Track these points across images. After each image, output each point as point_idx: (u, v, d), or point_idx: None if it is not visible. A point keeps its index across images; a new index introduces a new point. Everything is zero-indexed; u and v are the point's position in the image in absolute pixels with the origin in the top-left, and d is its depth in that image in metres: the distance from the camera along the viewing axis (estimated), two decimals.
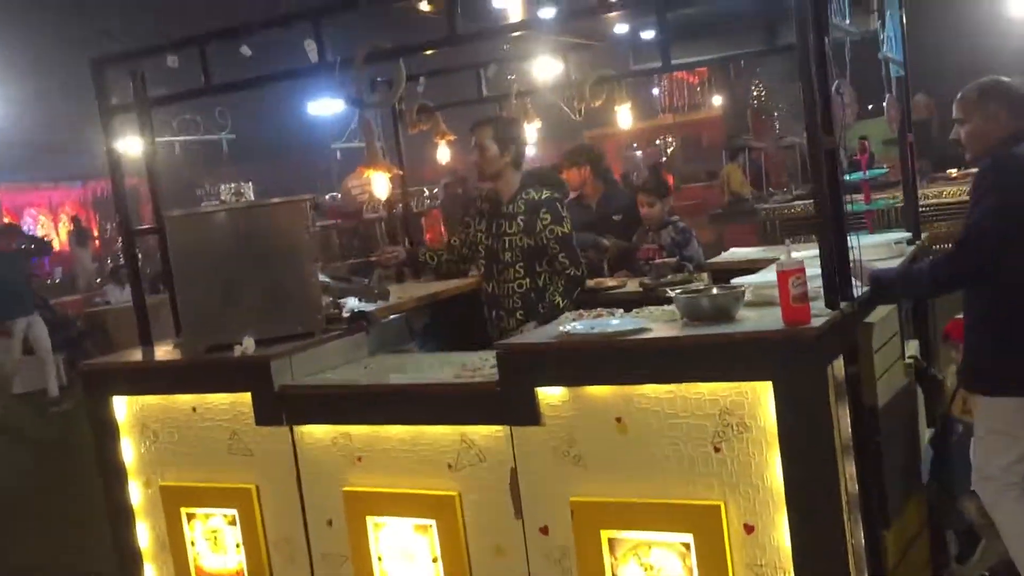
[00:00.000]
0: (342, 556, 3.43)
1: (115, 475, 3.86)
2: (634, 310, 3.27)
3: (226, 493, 3.63)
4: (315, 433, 3.42)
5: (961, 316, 3.59)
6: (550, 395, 2.96)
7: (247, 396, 3.52)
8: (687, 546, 2.80)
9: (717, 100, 21.13)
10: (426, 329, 4.68)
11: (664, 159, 20.36)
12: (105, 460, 3.87)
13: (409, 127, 5.60)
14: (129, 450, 3.86)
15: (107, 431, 3.84)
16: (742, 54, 5.31)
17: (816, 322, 2.63)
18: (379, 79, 4.87)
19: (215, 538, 3.70)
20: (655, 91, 21.89)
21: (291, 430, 3.46)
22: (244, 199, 3.58)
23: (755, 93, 21.42)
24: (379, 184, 4.36)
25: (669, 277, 5.17)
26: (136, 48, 4.08)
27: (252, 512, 3.57)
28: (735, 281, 3.22)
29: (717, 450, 2.74)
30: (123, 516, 3.88)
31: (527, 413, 2.97)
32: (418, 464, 3.23)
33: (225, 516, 3.66)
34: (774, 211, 12.85)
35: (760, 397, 2.66)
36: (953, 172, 12.19)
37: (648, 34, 4.84)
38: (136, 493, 3.88)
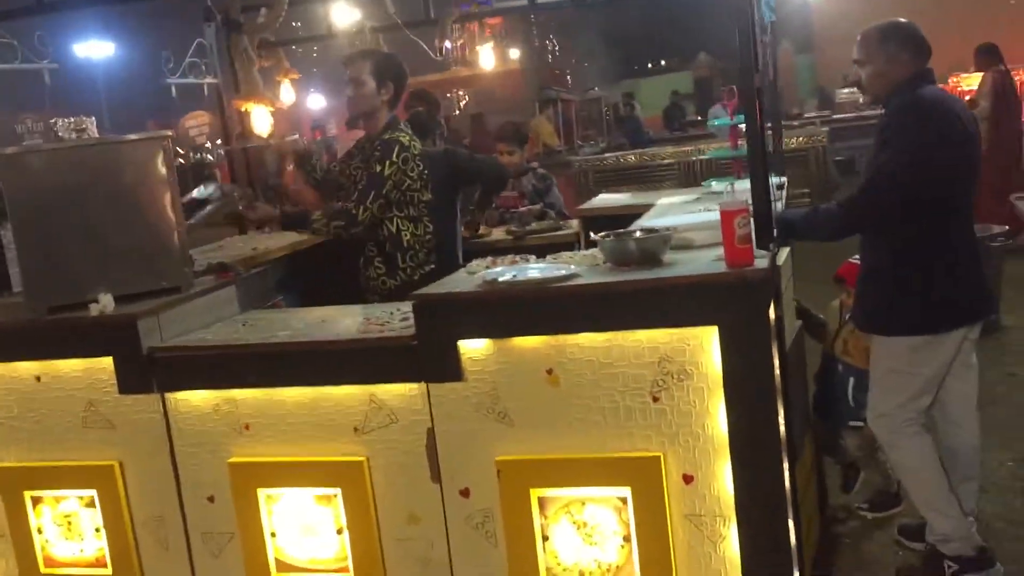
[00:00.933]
0: (226, 534, 3.10)
1: None
2: (548, 256, 3.09)
3: (82, 472, 3.19)
4: (192, 400, 3.05)
5: (853, 259, 3.67)
6: (472, 348, 2.75)
7: (107, 361, 3.09)
8: (624, 500, 2.68)
9: (514, 54, 21.16)
10: (282, 284, 4.32)
11: (456, 112, 20.16)
12: None
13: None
14: None
15: None
16: None
17: (759, 264, 2.55)
18: None
19: (68, 523, 3.25)
20: (447, 44, 21.67)
21: (162, 398, 3.07)
22: (87, 136, 3.08)
23: (550, 47, 21.64)
24: (260, 119, 3.92)
25: (534, 224, 5.05)
26: None
27: (115, 492, 3.15)
28: (649, 224, 3.10)
29: (655, 400, 2.63)
30: None
31: (448, 368, 2.75)
32: (318, 429, 2.94)
33: (81, 498, 3.22)
34: (587, 163, 13.09)
35: (703, 343, 2.56)
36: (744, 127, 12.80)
37: None
38: None
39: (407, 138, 3.68)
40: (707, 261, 2.71)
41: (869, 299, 3.29)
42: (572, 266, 2.84)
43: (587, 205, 4.98)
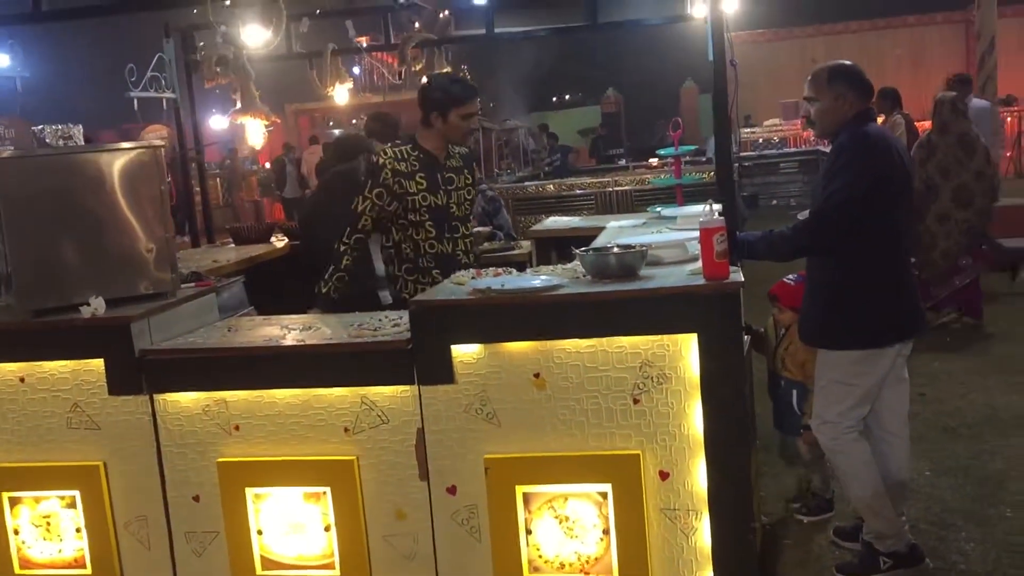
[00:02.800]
0: (211, 533, 3.18)
1: None
2: (528, 269, 3.29)
3: (65, 472, 3.23)
4: (181, 401, 3.13)
5: (787, 279, 4.00)
6: (464, 353, 2.92)
7: (95, 363, 3.15)
8: (604, 495, 2.89)
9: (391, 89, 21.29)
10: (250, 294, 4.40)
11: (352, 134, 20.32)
12: None
13: (206, 80, 5.22)
14: None
15: None
16: (567, 28, 5.42)
17: (734, 277, 2.80)
18: None
19: (47, 524, 3.28)
20: (356, 70, 21.74)
21: (151, 399, 3.14)
22: (74, 144, 3.11)
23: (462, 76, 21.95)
24: (254, 132, 4.01)
25: (485, 245, 5.26)
26: None
27: (99, 492, 3.20)
28: (625, 241, 3.34)
29: (636, 402, 2.85)
30: None
31: (441, 371, 2.92)
32: (309, 430, 3.06)
33: (62, 499, 3.26)
34: (507, 191, 13.39)
35: (682, 349, 2.80)
36: (654, 161, 13.37)
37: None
38: None
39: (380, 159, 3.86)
40: (683, 275, 2.96)
41: (815, 315, 3.59)
42: (554, 278, 3.05)
43: (538, 227, 5.21)
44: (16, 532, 3.30)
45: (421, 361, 2.93)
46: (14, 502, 3.29)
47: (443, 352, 2.91)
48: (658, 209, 5.01)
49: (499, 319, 2.89)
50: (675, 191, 5.06)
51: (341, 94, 4.77)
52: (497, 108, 21.85)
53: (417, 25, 6.08)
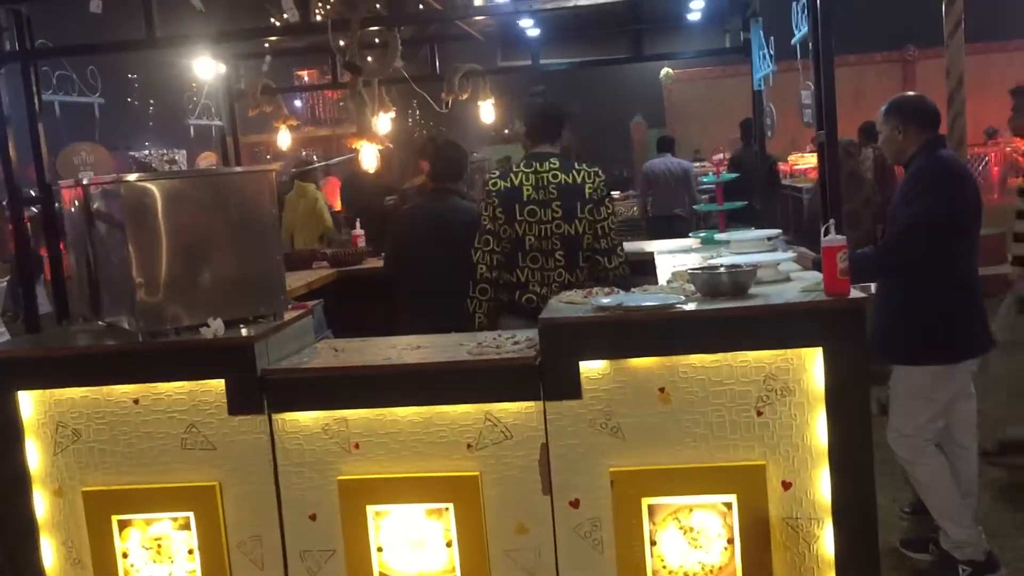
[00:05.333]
0: (326, 551, 3.20)
1: (14, 485, 3.28)
2: (635, 289, 3.40)
3: (179, 494, 3.24)
4: (301, 420, 3.17)
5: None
6: (590, 368, 3.01)
7: (212, 384, 3.18)
8: (728, 506, 2.98)
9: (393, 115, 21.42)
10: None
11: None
12: (2, 468, 3.28)
13: (250, 108, 5.27)
14: (34, 454, 3.30)
15: (6, 433, 3.26)
16: (612, 60, 5.58)
17: (855, 293, 2.94)
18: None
19: (158, 546, 3.28)
20: (297, 103, 21.69)
21: (270, 418, 3.17)
22: (178, 168, 3.15)
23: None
24: (368, 156, 4.07)
25: None
26: None
27: (214, 512, 3.21)
28: (730, 261, 3.46)
29: (760, 414, 2.96)
30: (23, 533, 3.30)
31: (569, 387, 3.00)
32: (430, 447, 3.11)
33: (175, 520, 3.26)
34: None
35: (805, 362, 2.92)
36: (617, 194, 13.60)
37: (533, 32, 4.94)
38: (41, 505, 3.32)
39: (491, 176, 4.05)
40: (796, 291, 3.10)
41: (894, 332, 3.75)
42: (669, 296, 3.16)
43: None
44: (125, 556, 3.28)
45: (549, 377, 3.01)
46: (123, 525, 3.28)
47: (571, 368, 3.00)
48: (703, 234, 5.18)
49: (626, 335, 2.99)
50: (717, 217, 5.22)
51: (384, 123, 4.85)
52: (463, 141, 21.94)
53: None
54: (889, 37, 23.69)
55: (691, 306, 3.02)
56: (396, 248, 4.76)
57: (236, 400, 3.15)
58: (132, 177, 3.14)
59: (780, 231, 4.79)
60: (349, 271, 5.54)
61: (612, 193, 11.47)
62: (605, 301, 3.10)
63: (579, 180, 3.99)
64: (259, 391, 3.15)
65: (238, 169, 3.39)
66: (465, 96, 5.26)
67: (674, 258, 4.66)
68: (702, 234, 5.18)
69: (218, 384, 3.17)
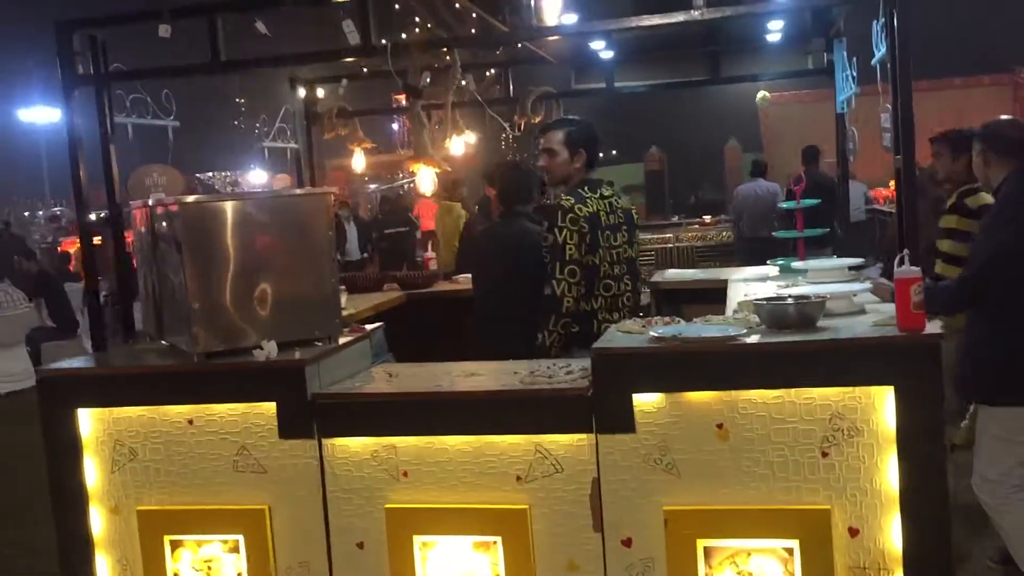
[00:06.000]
0: None
1: (72, 501, 3.32)
2: (696, 319, 3.26)
3: (229, 516, 3.22)
4: (350, 446, 3.13)
5: None
6: (644, 402, 2.89)
7: (264, 406, 3.16)
8: (790, 551, 2.81)
9: (471, 139, 21.39)
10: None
11: (401, 193, 20.42)
12: (62, 484, 3.32)
13: (326, 132, 5.32)
14: (92, 471, 3.34)
15: (67, 450, 3.30)
16: (685, 82, 5.46)
17: (931, 328, 2.75)
18: None
19: (208, 568, 3.27)
20: (395, 126, 21.86)
21: (319, 443, 3.14)
22: (240, 189, 3.18)
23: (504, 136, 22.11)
24: (425, 179, 4.06)
25: None
26: (105, 14, 3.54)
27: (263, 536, 3.19)
28: (798, 292, 3.29)
29: (824, 455, 2.78)
30: (79, 549, 3.33)
31: (621, 420, 2.88)
32: (480, 477, 3.03)
33: (225, 543, 3.25)
34: None
35: (874, 401, 2.73)
36: (708, 219, 13.30)
37: (606, 54, 4.85)
38: (97, 522, 3.35)
39: (569, 202, 3.82)
40: (867, 326, 2.91)
41: (976, 369, 3.52)
42: (731, 327, 3.02)
43: (659, 278, 5.19)
44: None
45: (601, 409, 2.90)
46: (175, 545, 3.28)
47: (624, 400, 2.88)
48: (781, 261, 4.98)
49: (683, 368, 2.86)
50: (797, 244, 5.02)
51: (458, 146, 4.82)
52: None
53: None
54: (998, 59, 22.80)
55: (752, 339, 2.86)
56: (472, 272, 4.71)
57: (287, 423, 3.13)
58: (190, 198, 3.17)
59: (863, 259, 4.57)
60: (419, 294, 5.53)
61: (705, 217, 11.32)
62: (662, 331, 2.97)
63: (629, 206, 4.06)
64: (309, 415, 3.12)
65: (295, 191, 3.38)
66: (539, 119, 5.19)
67: (748, 286, 4.48)
68: (780, 262, 4.98)
69: (270, 407, 3.16)
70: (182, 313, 3.19)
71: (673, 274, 5.26)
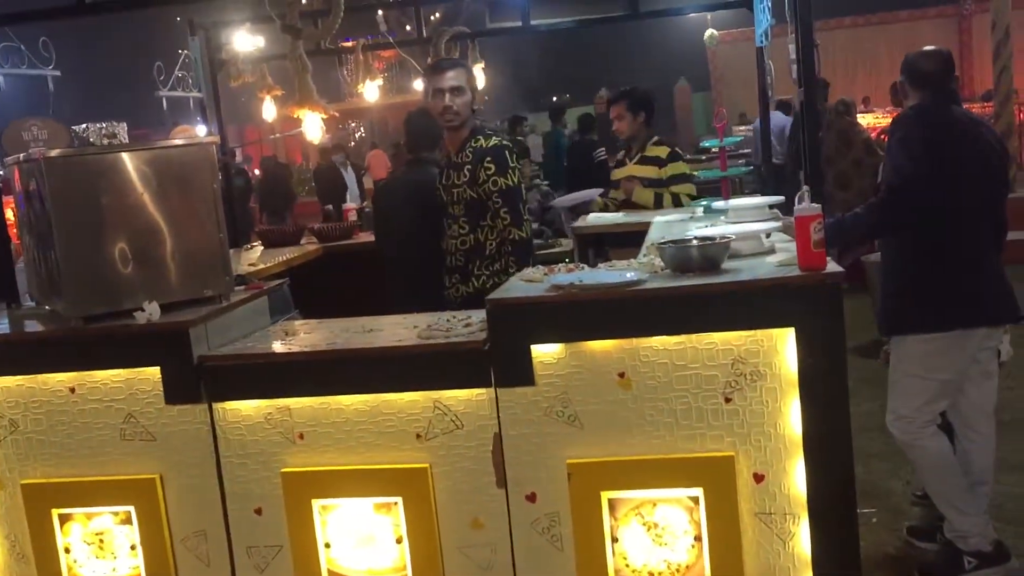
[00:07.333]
0: (274, 547, 3.03)
1: None
2: (600, 264, 3.15)
3: (118, 487, 3.08)
4: (242, 410, 2.98)
5: None
6: (544, 353, 2.77)
7: (149, 371, 3.00)
8: (695, 500, 2.74)
9: (417, 84, 21.09)
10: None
11: (352, 144, 20.07)
12: None
13: (232, 79, 5.07)
14: None
15: None
16: (601, 19, 5.26)
17: (832, 267, 2.66)
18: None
19: (100, 541, 3.12)
20: (348, 74, 21.48)
21: (210, 408, 2.99)
22: (119, 142, 2.96)
23: None
24: (312, 126, 3.85)
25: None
26: None
27: (156, 506, 3.05)
28: (702, 233, 3.19)
29: (728, 401, 2.70)
30: None
31: (520, 373, 2.77)
32: (378, 437, 2.91)
33: (116, 514, 3.10)
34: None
35: (776, 344, 2.65)
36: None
37: None
38: None
39: (495, 141, 3.81)
40: (770, 267, 2.82)
41: (888, 300, 3.47)
42: (635, 272, 2.91)
43: (582, 224, 5.06)
44: (67, 551, 3.14)
45: (499, 362, 2.79)
46: (64, 519, 3.13)
47: (523, 352, 2.76)
48: (704, 202, 4.88)
49: (583, 316, 2.74)
50: (720, 184, 4.93)
51: (371, 91, 4.61)
52: (485, 110, 21.65)
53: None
54: None
55: (651, 284, 2.76)
56: (376, 223, 4.55)
57: (172, 388, 2.97)
58: (54, 152, 2.96)
59: (784, 198, 4.48)
60: (338, 246, 5.36)
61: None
62: (561, 279, 2.85)
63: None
64: (196, 379, 2.96)
65: (174, 142, 3.18)
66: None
67: (670, 228, 4.37)
68: (703, 202, 4.88)
69: (155, 372, 2.99)
70: (55, 275, 3.00)
71: (594, 218, 5.13)
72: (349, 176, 11.78)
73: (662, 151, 5.36)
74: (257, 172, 20.17)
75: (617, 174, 5.57)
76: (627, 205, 5.29)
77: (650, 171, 5.25)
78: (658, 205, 5.25)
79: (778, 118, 10.49)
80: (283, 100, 4.75)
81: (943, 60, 3.49)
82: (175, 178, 3.09)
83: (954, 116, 3.47)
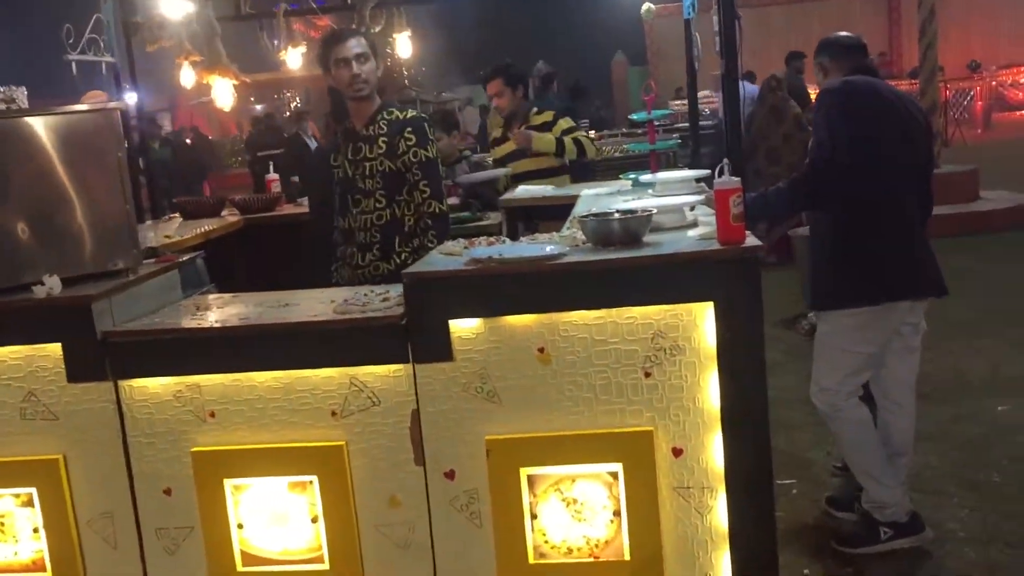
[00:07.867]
0: (184, 528, 2.93)
1: None
2: (522, 238, 3.10)
3: (20, 468, 2.95)
4: (150, 387, 2.87)
5: None
6: (462, 328, 2.72)
7: (50, 348, 2.87)
8: (614, 475, 2.72)
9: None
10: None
11: (288, 114, 19.75)
12: None
13: (148, 43, 4.88)
14: None
15: None
16: None
17: (750, 241, 2.64)
18: None
19: (1, 524, 3.00)
20: (276, 42, 21.12)
21: (116, 385, 2.87)
22: (17, 107, 2.78)
23: (389, 51, 21.51)
24: (223, 92, 3.70)
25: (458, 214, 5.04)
26: None
27: (59, 488, 2.93)
28: (625, 207, 3.15)
29: (647, 375, 2.68)
30: None
31: (438, 348, 2.71)
32: (292, 414, 2.83)
33: (17, 496, 2.98)
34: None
35: (695, 318, 2.63)
36: (593, 133, 13.25)
37: None
38: None
39: (412, 113, 3.77)
40: (693, 240, 2.80)
41: (817, 275, 3.48)
42: (555, 246, 2.86)
43: (509, 196, 5.00)
44: None
45: (416, 337, 2.72)
46: None
47: (440, 327, 2.70)
48: (632, 175, 4.85)
49: (501, 290, 2.69)
50: (649, 157, 4.90)
51: (294, 59, 4.47)
52: (429, 81, 21.42)
53: None
54: None
55: (571, 257, 2.71)
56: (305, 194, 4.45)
57: (74, 365, 2.85)
58: None
59: (710, 171, 4.47)
60: (260, 218, 5.21)
61: (591, 132, 11.05)
62: (480, 252, 2.79)
63: None
64: (100, 355, 2.84)
65: (76, 107, 3.03)
66: (378, 29, 4.88)
67: (598, 201, 4.33)
68: (631, 175, 4.85)
69: (56, 348, 2.86)
70: None
71: (522, 191, 5.08)
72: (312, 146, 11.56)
73: (547, 115, 5.42)
74: (188, 142, 19.67)
75: (498, 152, 5.57)
76: (529, 176, 5.33)
77: (545, 139, 5.30)
78: (560, 149, 5.27)
79: (748, 88, 10.50)
80: (200, 66, 4.58)
81: (859, 39, 3.54)
82: (77, 145, 2.94)
83: (878, 88, 3.49)
